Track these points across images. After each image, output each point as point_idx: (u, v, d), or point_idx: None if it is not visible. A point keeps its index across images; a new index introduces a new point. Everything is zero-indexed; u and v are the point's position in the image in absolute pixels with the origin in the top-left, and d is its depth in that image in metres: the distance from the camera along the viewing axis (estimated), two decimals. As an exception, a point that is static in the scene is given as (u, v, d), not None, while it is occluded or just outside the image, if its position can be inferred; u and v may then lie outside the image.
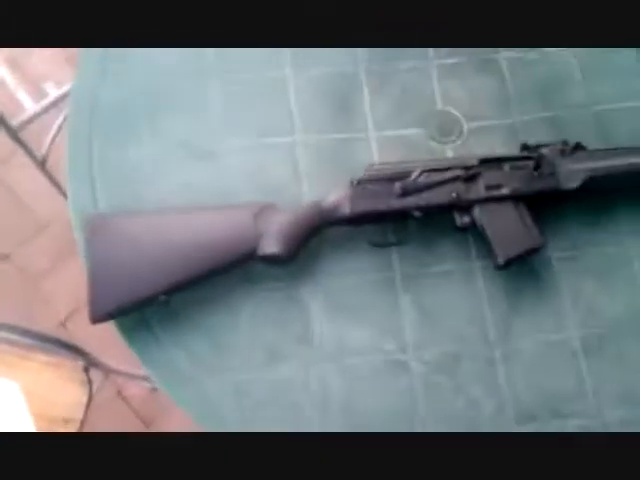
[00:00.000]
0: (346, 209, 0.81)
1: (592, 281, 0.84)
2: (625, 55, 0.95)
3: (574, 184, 0.83)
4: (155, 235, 0.79)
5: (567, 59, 0.95)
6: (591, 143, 0.87)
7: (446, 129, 0.92)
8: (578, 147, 0.85)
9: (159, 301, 0.78)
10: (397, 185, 0.82)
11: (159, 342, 0.80)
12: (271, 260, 0.80)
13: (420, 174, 0.82)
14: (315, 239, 0.83)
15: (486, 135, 0.91)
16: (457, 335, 0.82)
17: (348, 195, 0.82)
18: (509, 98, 0.93)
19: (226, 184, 0.87)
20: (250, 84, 0.92)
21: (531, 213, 0.82)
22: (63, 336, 1.19)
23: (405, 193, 0.82)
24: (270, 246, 0.80)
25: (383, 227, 0.84)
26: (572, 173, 0.83)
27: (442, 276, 0.84)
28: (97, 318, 0.77)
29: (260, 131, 0.90)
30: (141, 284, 0.78)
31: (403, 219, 0.83)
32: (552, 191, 0.83)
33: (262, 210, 0.81)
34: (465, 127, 0.92)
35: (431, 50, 0.95)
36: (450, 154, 0.90)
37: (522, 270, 0.84)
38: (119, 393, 1.45)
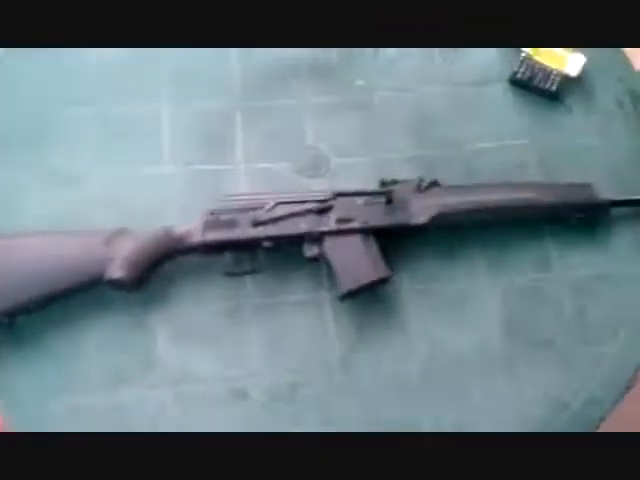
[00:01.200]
0: (197, 237, 0.83)
1: (440, 315, 0.85)
2: (496, 92, 0.98)
3: (423, 219, 0.84)
4: (5, 259, 0.81)
5: (439, 97, 0.98)
6: (458, 181, 0.89)
7: (314, 164, 0.94)
8: (433, 184, 0.87)
9: (3, 323, 0.80)
10: (250, 215, 0.84)
11: (2, 363, 0.81)
12: (117, 285, 0.82)
13: (274, 206, 0.84)
14: (169, 266, 0.84)
15: (353, 171, 0.93)
16: (300, 365, 0.83)
17: (200, 224, 0.83)
18: (379, 135, 0.95)
19: (91, 212, 0.89)
20: (125, 116, 0.95)
21: (380, 246, 0.84)
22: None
23: (257, 223, 0.83)
24: (116, 271, 0.81)
25: (237, 256, 0.85)
26: (422, 209, 0.85)
27: (292, 306, 0.85)
28: (-62, 337, 0.79)
29: (130, 160, 0.92)
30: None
31: (256, 249, 0.85)
32: (402, 226, 0.85)
33: (114, 235, 0.83)
34: (332, 163, 0.94)
35: (307, 88, 0.98)
36: (316, 188, 0.92)
37: (372, 301, 0.85)
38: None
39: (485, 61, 1.00)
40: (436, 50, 1.00)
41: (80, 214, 0.88)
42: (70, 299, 0.82)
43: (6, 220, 0.88)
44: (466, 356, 0.83)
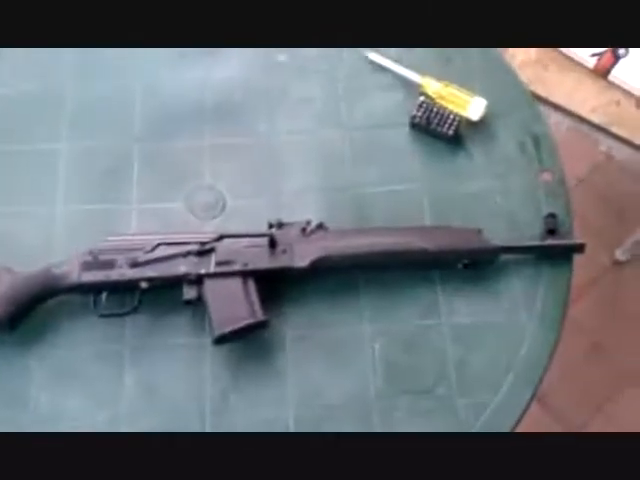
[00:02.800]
0: (74, 277, 0.83)
1: (319, 361, 0.83)
2: (396, 135, 0.98)
3: (304, 263, 0.84)
4: None
5: (339, 141, 0.97)
6: (349, 224, 0.89)
7: (209, 205, 0.94)
8: (320, 227, 0.87)
9: None
10: (128, 256, 0.83)
11: None
12: (-8, 324, 0.81)
13: (155, 247, 0.84)
14: (49, 305, 0.84)
15: (247, 212, 0.92)
16: (173, 409, 0.81)
17: (78, 264, 0.83)
18: (277, 177, 0.95)
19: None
20: (21, 154, 0.96)
21: (262, 290, 0.83)
22: None
23: (135, 264, 0.83)
24: (-10, 310, 0.81)
25: (115, 297, 0.84)
26: (305, 252, 0.84)
27: (169, 349, 0.84)
28: None
29: (20, 200, 0.93)
30: None
31: (134, 290, 0.84)
32: (283, 269, 0.84)
33: (-7, 273, 0.83)
34: (228, 204, 0.93)
35: (208, 129, 0.98)
36: (208, 229, 0.91)
37: (252, 346, 0.83)
38: None
39: (388, 106, 1.00)
40: (341, 95, 1.01)
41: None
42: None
43: None
44: (341, 404, 0.81)
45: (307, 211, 0.91)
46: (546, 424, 1.52)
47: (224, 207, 0.93)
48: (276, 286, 0.85)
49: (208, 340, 0.84)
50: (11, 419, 0.80)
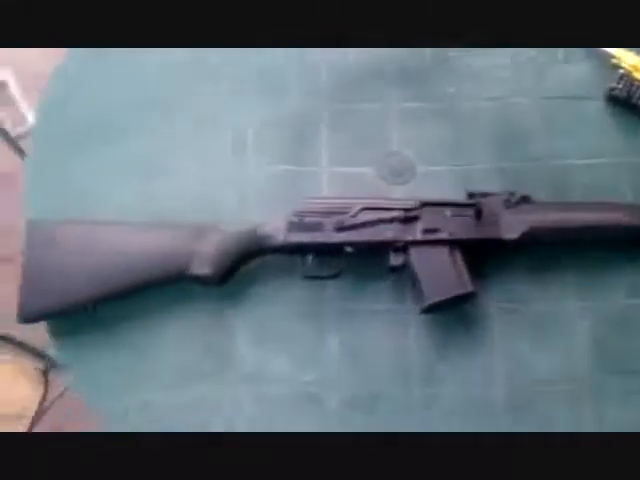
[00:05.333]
0: (280, 237, 0.82)
1: (527, 336, 0.82)
2: (590, 108, 0.95)
3: (513, 235, 0.82)
4: (91, 245, 0.82)
5: (530, 110, 0.95)
6: (545, 197, 0.86)
7: (398, 171, 0.92)
8: (524, 199, 0.85)
9: (88, 308, 0.81)
10: (334, 219, 0.83)
11: (82, 348, 0.82)
12: (202, 280, 0.82)
13: (359, 211, 0.83)
14: (250, 265, 0.84)
15: (437, 180, 0.91)
16: (377, 375, 0.81)
17: (284, 224, 0.83)
18: (466, 145, 0.93)
19: (175, 204, 0.89)
20: (212, 112, 0.95)
21: (467, 260, 0.82)
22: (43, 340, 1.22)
23: (341, 228, 0.82)
24: (201, 267, 0.81)
25: (318, 260, 0.84)
26: (513, 224, 0.83)
27: (372, 315, 0.84)
28: (25, 319, 0.80)
29: (216, 157, 0.92)
30: (72, 290, 0.80)
31: (338, 254, 0.84)
32: (491, 240, 0.82)
33: (199, 230, 0.83)
34: (418, 170, 0.92)
35: (394, 93, 0.96)
36: (399, 195, 0.90)
37: (455, 318, 0.83)
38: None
39: (579, 76, 0.96)
40: (528, 63, 0.97)
41: (160, 207, 0.89)
42: (152, 290, 0.82)
43: (91, 206, 0.89)
44: (551, 381, 0.80)
45: (498, 181, 0.90)
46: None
47: (413, 173, 0.92)
48: (478, 258, 0.84)
49: (410, 308, 0.84)
50: (218, 374, 0.81)
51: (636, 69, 0.93)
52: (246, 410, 0.79)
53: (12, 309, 0.80)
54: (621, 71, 0.93)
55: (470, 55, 0.98)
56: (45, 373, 1.13)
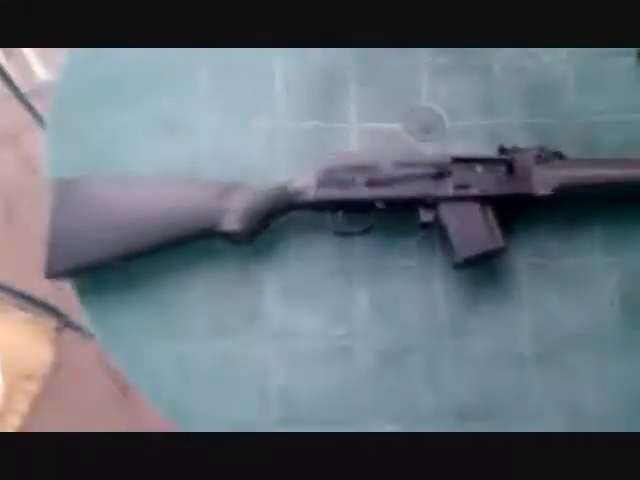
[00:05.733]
0: (311, 194, 0.81)
1: (555, 291, 0.82)
2: (622, 64, 0.93)
3: (546, 191, 0.81)
4: (119, 201, 0.81)
5: (561, 66, 0.93)
6: (576, 153, 0.85)
7: (427, 126, 0.91)
8: (556, 155, 0.84)
9: (115, 265, 0.80)
10: (365, 175, 0.81)
11: (110, 305, 0.82)
12: (232, 237, 0.81)
13: (390, 166, 0.82)
14: (278, 221, 0.83)
15: (467, 136, 0.90)
16: (407, 328, 0.81)
17: (314, 180, 0.81)
18: (496, 101, 0.91)
19: (199, 160, 0.88)
20: (238, 67, 0.92)
21: (498, 216, 0.81)
22: (56, 299, 1.22)
23: (371, 183, 0.81)
24: (232, 223, 0.80)
25: (348, 216, 0.83)
26: (545, 180, 0.82)
27: (401, 270, 0.83)
28: (52, 274, 0.79)
29: (240, 112, 0.90)
30: (99, 246, 0.79)
31: (368, 210, 0.83)
32: (523, 196, 0.82)
33: (228, 187, 0.82)
34: (447, 125, 0.90)
35: (423, 49, 0.94)
36: (428, 151, 0.89)
37: (484, 273, 0.82)
38: (99, 358, 1.47)
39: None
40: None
41: (189, 161, 0.87)
42: (179, 247, 0.81)
43: (115, 163, 0.88)
44: (579, 333, 0.80)
45: (528, 136, 0.89)
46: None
47: (442, 129, 0.91)
48: (508, 213, 0.83)
49: (439, 263, 0.83)
50: (246, 331, 0.81)
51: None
52: (273, 365, 0.79)
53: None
54: (655, 25, 0.91)
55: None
56: (59, 330, 1.12)
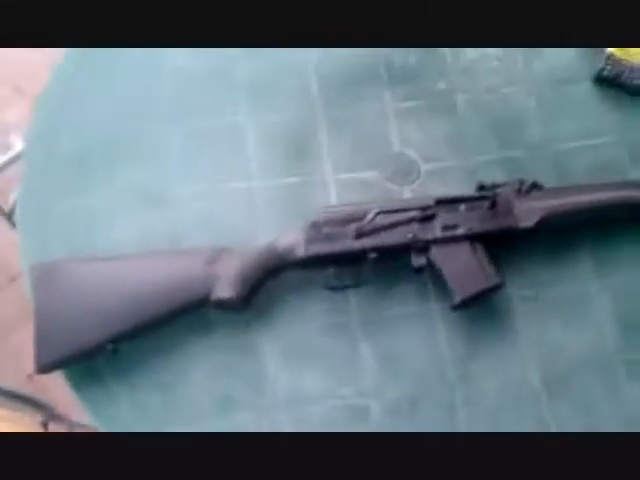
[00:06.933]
0: (301, 251, 0.80)
1: (554, 319, 0.83)
2: (581, 90, 0.96)
3: (530, 223, 0.82)
4: (103, 282, 0.78)
5: (523, 98, 0.95)
6: (549, 182, 0.86)
7: (403, 171, 0.91)
8: (534, 186, 0.85)
9: (107, 350, 0.76)
10: (352, 226, 0.81)
11: (108, 393, 0.78)
12: (225, 305, 0.79)
13: (376, 215, 0.81)
14: (270, 283, 0.81)
15: (443, 176, 0.91)
16: (416, 378, 0.80)
17: (303, 237, 0.80)
18: (466, 139, 0.93)
19: (181, 230, 0.86)
20: (207, 131, 0.92)
21: (488, 252, 0.81)
22: (29, 389, 1.16)
23: (360, 234, 0.81)
24: (224, 290, 0.78)
25: (339, 270, 0.82)
26: (528, 212, 0.83)
27: (400, 319, 0.82)
28: (42, 369, 0.75)
29: (216, 177, 0.89)
30: (87, 333, 0.76)
31: (359, 261, 0.82)
32: (508, 230, 0.82)
33: (215, 254, 0.80)
34: (422, 168, 0.91)
35: (387, 93, 0.95)
36: (408, 195, 0.89)
37: (481, 310, 0.82)
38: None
39: (566, 61, 0.98)
40: (518, 51, 0.98)
41: (170, 233, 0.85)
42: (173, 323, 0.78)
43: (98, 241, 0.85)
44: (584, 359, 0.81)
45: (502, 170, 0.90)
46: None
47: (419, 172, 0.91)
48: (493, 247, 0.83)
49: (436, 306, 0.83)
50: (251, 403, 0.78)
51: (623, 52, 0.95)
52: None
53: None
54: (608, 51, 0.95)
55: (456, 49, 0.99)
56: (45, 425, 1.06)
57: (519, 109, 0.95)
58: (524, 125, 0.94)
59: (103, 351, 0.76)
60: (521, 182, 0.85)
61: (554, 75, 0.97)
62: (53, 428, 1.09)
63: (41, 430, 1.08)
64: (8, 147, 1.29)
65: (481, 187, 0.86)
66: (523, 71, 0.97)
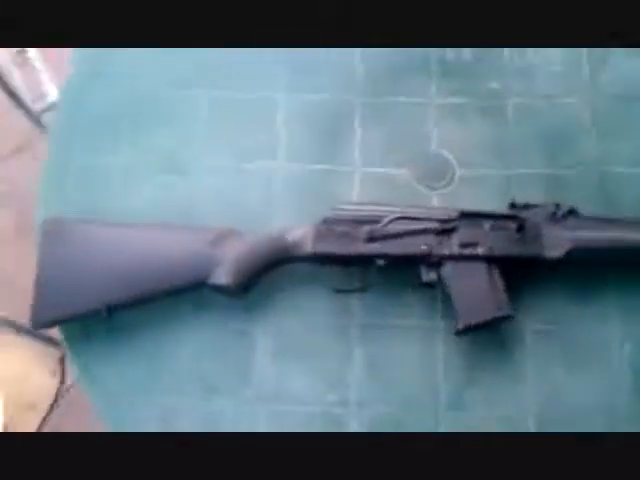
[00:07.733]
0: (308, 247, 0.77)
1: (563, 361, 0.77)
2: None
3: (558, 253, 0.76)
4: (108, 247, 0.78)
5: (580, 110, 0.87)
6: (590, 209, 0.79)
7: (436, 173, 0.86)
8: (571, 212, 0.78)
9: (102, 314, 0.77)
10: (365, 229, 0.77)
11: (96, 355, 0.79)
12: (221, 291, 0.77)
13: (391, 221, 0.78)
14: (274, 273, 0.79)
15: (477, 185, 0.85)
16: (404, 398, 0.77)
17: (312, 233, 0.77)
18: (509, 147, 0.86)
19: (196, 203, 0.84)
20: (238, 102, 0.89)
21: (505, 279, 0.76)
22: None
23: (372, 239, 0.77)
24: (221, 277, 0.76)
25: (347, 271, 0.79)
26: (557, 241, 0.76)
27: (401, 331, 0.79)
28: (37, 324, 0.77)
29: (241, 154, 0.87)
30: (86, 295, 0.76)
31: (368, 265, 0.78)
32: (532, 258, 0.77)
33: (221, 236, 0.78)
34: (457, 174, 0.86)
35: (433, 87, 0.89)
36: (435, 201, 0.84)
37: (488, 337, 0.78)
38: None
39: (636, 75, 0.88)
40: (584, 58, 0.90)
41: (184, 203, 0.85)
42: (170, 298, 0.78)
43: (114, 202, 0.85)
44: (587, 410, 0.75)
45: (543, 188, 0.84)
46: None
47: (452, 177, 0.86)
48: (515, 274, 0.78)
49: (440, 324, 0.79)
50: (234, 391, 0.78)
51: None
52: (262, 429, 0.76)
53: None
54: (685, 71, 0.85)
55: (516, 49, 0.91)
56: (62, 361, 1.10)
57: (574, 122, 0.87)
58: (576, 141, 0.86)
59: (98, 314, 0.77)
60: (557, 206, 0.78)
61: (619, 89, 0.88)
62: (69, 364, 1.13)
63: (58, 366, 1.12)
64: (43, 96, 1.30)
65: (512, 205, 0.80)
66: (586, 80, 0.89)
